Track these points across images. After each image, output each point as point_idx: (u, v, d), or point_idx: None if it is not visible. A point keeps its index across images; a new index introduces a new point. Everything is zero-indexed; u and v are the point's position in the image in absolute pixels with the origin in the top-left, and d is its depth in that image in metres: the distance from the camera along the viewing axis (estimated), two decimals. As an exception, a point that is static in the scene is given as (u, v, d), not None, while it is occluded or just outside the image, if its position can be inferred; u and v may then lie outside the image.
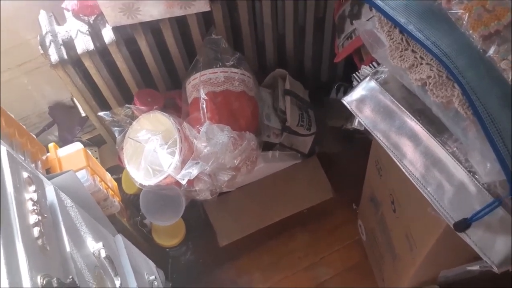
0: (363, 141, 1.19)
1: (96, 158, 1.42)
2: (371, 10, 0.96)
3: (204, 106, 1.05)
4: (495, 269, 0.53)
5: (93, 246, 0.73)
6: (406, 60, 0.57)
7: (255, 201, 1.34)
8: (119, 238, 0.91)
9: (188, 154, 1.03)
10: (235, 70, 1.08)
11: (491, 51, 0.50)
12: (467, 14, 0.52)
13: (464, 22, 0.52)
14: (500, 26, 0.50)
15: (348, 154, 1.40)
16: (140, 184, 1.04)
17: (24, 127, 0.86)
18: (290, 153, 1.33)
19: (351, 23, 1.04)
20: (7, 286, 0.47)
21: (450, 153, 0.57)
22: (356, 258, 1.28)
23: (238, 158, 1.04)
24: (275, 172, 1.36)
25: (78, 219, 0.75)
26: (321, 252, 1.31)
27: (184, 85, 1.13)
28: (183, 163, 1.01)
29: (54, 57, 1.01)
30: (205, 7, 1.02)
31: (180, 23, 1.08)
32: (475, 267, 0.66)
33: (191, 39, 1.12)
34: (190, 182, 1.03)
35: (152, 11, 1.00)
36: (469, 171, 0.55)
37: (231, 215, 1.34)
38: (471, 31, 0.52)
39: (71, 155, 0.93)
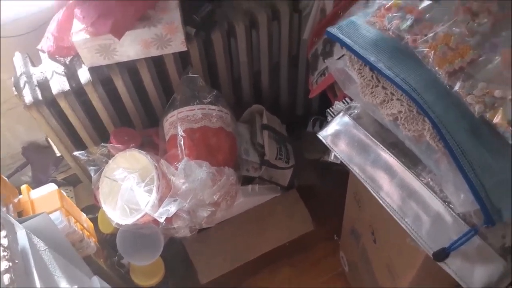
0: (341, 172, 1.20)
1: (72, 197, 1.39)
2: (342, 48, 1.01)
3: (182, 142, 1.05)
4: (476, 298, 0.54)
5: (68, 291, 0.71)
6: (377, 96, 0.59)
7: (236, 236, 1.33)
8: (96, 280, 0.88)
9: (166, 192, 1.02)
10: (213, 107, 1.10)
11: (457, 87, 0.53)
12: (432, 52, 0.55)
13: (430, 59, 0.55)
14: (464, 63, 0.53)
15: (327, 186, 1.42)
16: (117, 224, 1.02)
17: (-4, 170, 0.84)
18: (270, 187, 1.33)
19: (324, 61, 1.08)
20: None
21: (425, 184, 0.59)
22: (340, 290, 1.27)
23: (217, 194, 1.03)
24: (255, 206, 1.35)
25: (51, 263, 0.72)
26: (305, 285, 1.30)
27: (162, 123, 1.13)
28: (161, 200, 1.00)
29: (28, 98, 1.00)
30: (182, 47, 1.04)
31: (156, 62, 1.09)
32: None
33: (168, 77, 1.14)
34: (168, 219, 1.01)
35: (129, 52, 1.01)
36: (444, 201, 0.57)
37: (211, 252, 1.32)
38: (437, 68, 0.54)
39: (45, 196, 0.91)
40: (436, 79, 0.55)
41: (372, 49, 0.60)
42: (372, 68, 0.59)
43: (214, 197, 1.03)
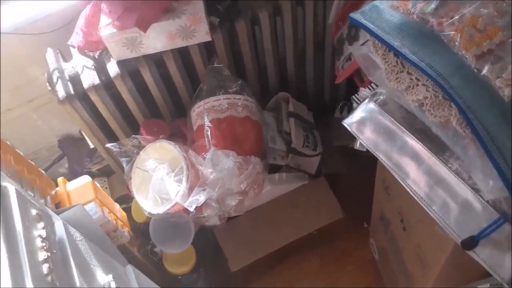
0: (369, 159, 1.19)
1: (106, 188, 1.43)
2: (367, 32, 0.98)
3: (209, 133, 1.06)
4: (506, 287, 0.53)
5: (103, 279, 0.73)
6: (402, 82, 0.58)
7: (265, 224, 1.34)
8: (130, 268, 0.91)
9: (195, 181, 1.04)
10: (238, 96, 1.10)
11: (485, 70, 0.51)
12: (458, 35, 0.53)
13: (456, 43, 0.53)
14: (493, 45, 0.51)
15: (355, 173, 1.40)
16: (149, 213, 1.05)
17: (34, 163, 0.88)
18: (297, 175, 1.33)
19: (350, 45, 1.06)
20: (18, 325, 0.48)
21: (453, 171, 0.57)
22: (369, 279, 1.27)
23: (244, 183, 1.04)
24: (283, 194, 1.36)
25: (87, 253, 0.75)
26: (334, 273, 1.30)
27: (189, 113, 1.15)
28: (191, 190, 1.02)
29: (61, 93, 1.04)
30: (207, 38, 1.05)
31: (182, 53, 1.10)
32: (485, 285, 0.65)
33: (194, 68, 1.15)
34: (198, 208, 1.03)
35: (155, 44, 1.03)
36: (473, 188, 0.55)
37: (241, 240, 1.34)
38: (464, 51, 0.53)
39: (80, 188, 0.95)
40: (463, 63, 0.53)
41: (396, 34, 0.58)
42: (397, 53, 0.58)
43: (242, 186, 1.04)
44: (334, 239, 1.33)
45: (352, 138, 1.20)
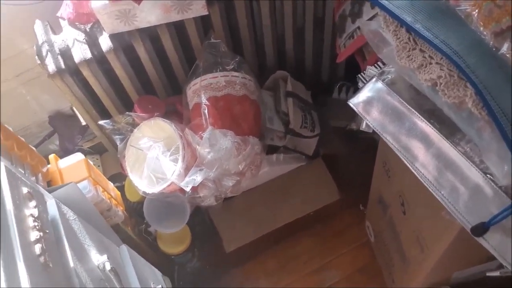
0: (368, 141, 1.17)
1: (98, 166, 1.40)
2: (372, 8, 0.95)
3: (206, 111, 1.03)
4: (516, 274, 0.52)
5: (98, 259, 0.72)
6: (415, 60, 0.55)
7: (261, 205, 1.33)
8: (124, 248, 0.89)
9: (191, 161, 1.01)
10: (236, 73, 1.07)
11: (504, 48, 0.48)
12: (476, 10, 0.50)
13: (473, 19, 0.51)
14: (513, 22, 0.48)
15: (353, 155, 1.38)
16: (144, 192, 1.03)
17: (24, 139, 0.85)
18: (295, 156, 1.31)
19: (353, 22, 1.02)
20: (9, 309, 0.46)
21: (464, 155, 0.55)
22: (364, 260, 1.26)
23: (242, 163, 1.02)
24: (280, 175, 1.34)
25: (81, 232, 0.73)
26: (328, 255, 1.29)
27: (185, 91, 1.11)
28: (187, 170, 1.00)
29: (51, 67, 1.00)
30: (203, 11, 1.00)
31: (178, 28, 1.06)
32: (496, 274, 0.64)
33: (190, 43, 1.11)
34: (194, 188, 1.01)
35: (149, 17, 0.98)
36: (485, 173, 0.53)
37: (236, 221, 1.32)
38: (482, 28, 0.50)
39: (72, 166, 0.92)
40: (480, 40, 0.50)
41: (409, 9, 0.55)
42: (409, 29, 0.55)
43: (239, 166, 1.02)
44: (330, 221, 1.33)
45: (351, 119, 1.18)
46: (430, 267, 0.84)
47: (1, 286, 0.47)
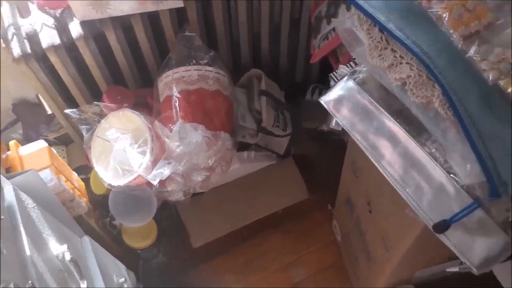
0: (338, 142, 1.19)
1: (64, 157, 1.36)
2: (348, 10, 0.96)
3: (177, 104, 1.01)
4: (475, 271, 0.53)
5: (57, 248, 0.69)
6: (386, 59, 0.56)
7: (230, 202, 1.32)
8: (86, 239, 0.87)
9: (160, 154, 0.99)
10: (210, 68, 1.06)
11: (471, 51, 0.49)
12: (447, 13, 0.51)
13: (444, 21, 0.51)
14: (481, 26, 0.49)
15: (323, 155, 1.40)
16: (109, 185, 1.00)
17: (-17, 124, 0.81)
18: (266, 154, 1.31)
19: (328, 24, 1.03)
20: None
21: (429, 154, 0.56)
22: (331, 259, 1.28)
23: (212, 158, 1.01)
24: (250, 173, 1.34)
25: (40, 221, 0.71)
26: (296, 253, 1.30)
27: (156, 83, 1.09)
28: (155, 163, 0.98)
29: (16, 50, 0.96)
30: (178, 3, 0.99)
31: (152, 18, 1.04)
32: (455, 269, 0.65)
33: (164, 35, 1.09)
34: (162, 182, 0.99)
35: (123, 6, 0.96)
36: (448, 172, 0.55)
37: (204, 216, 1.31)
38: (451, 31, 0.51)
39: (34, 153, 0.88)
40: (449, 42, 0.51)
41: (383, 9, 0.56)
42: (382, 28, 0.55)
43: (209, 161, 1.01)
44: (299, 219, 1.34)
45: (322, 120, 1.19)
46: (393, 266, 0.86)
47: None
